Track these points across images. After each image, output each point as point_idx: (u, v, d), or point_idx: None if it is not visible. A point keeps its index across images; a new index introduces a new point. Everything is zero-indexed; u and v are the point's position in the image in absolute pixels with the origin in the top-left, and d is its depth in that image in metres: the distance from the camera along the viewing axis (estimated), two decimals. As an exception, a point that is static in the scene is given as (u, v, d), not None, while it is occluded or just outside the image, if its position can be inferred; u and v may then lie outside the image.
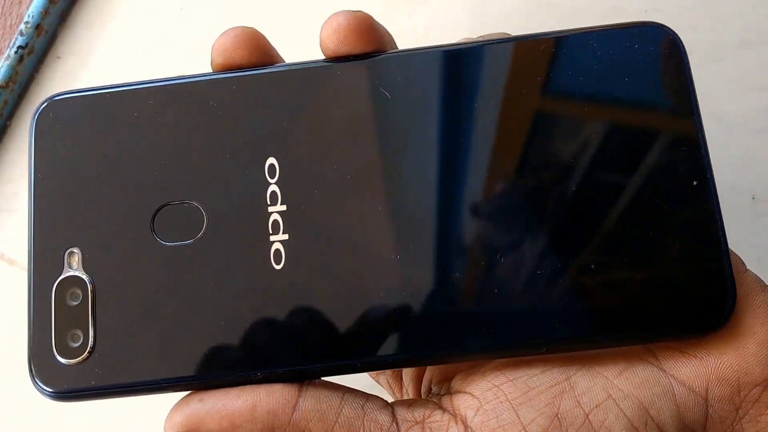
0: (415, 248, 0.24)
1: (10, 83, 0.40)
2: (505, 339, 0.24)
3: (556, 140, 0.25)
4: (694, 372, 0.23)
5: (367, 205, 0.24)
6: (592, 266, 0.24)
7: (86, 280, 0.24)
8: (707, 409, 0.23)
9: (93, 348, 0.24)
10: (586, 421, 0.23)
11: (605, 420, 0.23)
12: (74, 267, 0.24)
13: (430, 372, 0.28)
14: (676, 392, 0.23)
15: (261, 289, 0.24)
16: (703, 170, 0.24)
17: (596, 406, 0.23)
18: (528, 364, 0.24)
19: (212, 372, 0.24)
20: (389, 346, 0.24)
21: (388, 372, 0.30)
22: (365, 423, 0.23)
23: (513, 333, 0.24)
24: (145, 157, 0.25)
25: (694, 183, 0.24)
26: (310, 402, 0.23)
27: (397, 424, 0.23)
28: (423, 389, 0.28)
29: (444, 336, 0.24)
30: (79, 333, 0.24)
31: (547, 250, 0.24)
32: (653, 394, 0.23)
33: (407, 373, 0.29)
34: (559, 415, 0.23)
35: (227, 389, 0.24)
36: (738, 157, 0.36)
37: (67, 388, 0.24)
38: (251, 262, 0.24)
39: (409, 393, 0.29)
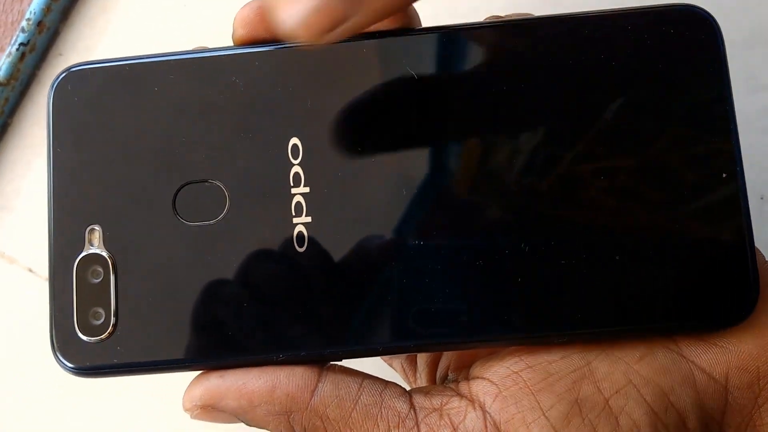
0: (440, 233, 0.24)
1: (12, 80, 0.40)
2: (528, 327, 0.23)
3: (585, 126, 0.24)
4: (714, 359, 0.23)
5: (391, 188, 0.24)
6: (617, 257, 0.23)
7: (107, 257, 0.24)
8: (727, 396, 0.23)
9: (115, 326, 0.24)
10: (606, 406, 0.22)
11: (625, 405, 0.22)
12: (95, 244, 0.24)
13: (446, 358, 0.28)
14: (696, 379, 0.23)
15: (283, 271, 0.24)
16: (733, 162, 0.24)
17: (616, 392, 0.23)
18: (547, 349, 0.24)
19: (234, 352, 0.24)
20: (411, 330, 0.24)
21: (403, 356, 0.30)
22: (383, 410, 0.23)
23: (536, 321, 0.23)
24: (165, 134, 0.24)
25: (724, 175, 0.24)
26: (328, 387, 0.23)
27: (414, 411, 0.23)
28: (438, 375, 0.28)
29: (467, 322, 0.23)
30: (101, 311, 0.24)
31: (573, 241, 0.24)
32: (673, 380, 0.23)
33: (422, 358, 0.29)
34: (579, 401, 0.22)
35: (248, 369, 0.24)
36: (746, 156, 0.35)
37: (90, 365, 0.24)
38: (274, 244, 0.24)
39: (422, 379, 0.29)
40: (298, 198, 0.24)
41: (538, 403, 0.23)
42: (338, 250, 0.24)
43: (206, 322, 0.24)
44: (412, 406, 0.23)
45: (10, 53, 0.40)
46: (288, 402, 0.23)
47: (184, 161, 0.24)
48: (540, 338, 0.24)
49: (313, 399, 0.23)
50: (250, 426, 0.24)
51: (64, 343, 0.24)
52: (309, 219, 0.24)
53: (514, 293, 0.24)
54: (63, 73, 0.25)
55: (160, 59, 0.25)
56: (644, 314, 0.23)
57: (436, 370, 0.28)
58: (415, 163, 0.24)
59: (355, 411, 0.23)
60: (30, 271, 0.38)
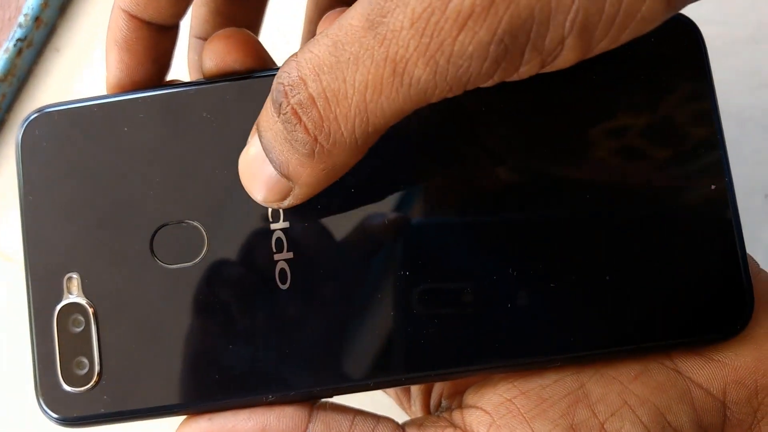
0: (425, 263, 0.24)
1: (9, 76, 0.39)
2: (519, 354, 0.23)
3: (569, 141, 0.24)
4: (711, 375, 0.23)
5: (373, 219, 0.24)
6: (607, 278, 0.23)
7: (87, 305, 0.24)
8: (725, 411, 0.23)
9: (100, 375, 0.23)
10: (602, 430, 0.22)
11: (621, 428, 0.22)
12: (74, 293, 0.24)
13: (440, 385, 0.27)
14: (693, 395, 0.23)
15: (268, 309, 0.23)
16: (721, 173, 0.23)
17: (612, 414, 0.22)
18: (540, 373, 0.23)
19: (221, 395, 0.23)
20: (401, 364, 0.23)
21: None
22: None
23: (528, 348, 0.23)
24: (139, 174, 0.24)
25: (712, 187, 0.23)
26: (319, 428, 0.23)
27: None
28: (432, 402, 0.28)
29: (457, 352, 0.23)
30: (85, 360, 0.24)
31: (562, 262, 0.23)
32: (670, 398, 0.23)
33: (416, 386, 0.29)
34: (573, 426, 0.22)
35: (237, 411, 0.23)
36: (750, 155, 0.35)
37: (77, 416, 0.23)
38: (256, 282, 0.24)
39: (416, 405, 0.29)
40: (278, 234, 0.24)
41: (533, 431, 0.22)
42: (323, 284, 0.24)
43: (192, 366, 0.23)
44: None
45: (7, 49, 0.39)
46: None
47: (159, 202, 0.24)
48: (533, 363, 0.23)
49: None
50: None
51: (48, 394, 0.23)
52: (291, 254, 0.24)
53: (503, 319, 0.23)
54: (30, 116, 0.24)
55: (127, 97, 0.24)
56: (638, 333, 0.23)
57: (430, 397, 0.28)
58: (398, 193, 0.24)
59: None
60: (27, 269, 0.37)
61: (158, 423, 0.24)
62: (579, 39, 0.18)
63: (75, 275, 0.24)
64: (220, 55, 0.24)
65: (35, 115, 0.24)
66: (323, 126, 0.20)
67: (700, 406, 0.23)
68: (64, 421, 0.23)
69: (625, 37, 0.19)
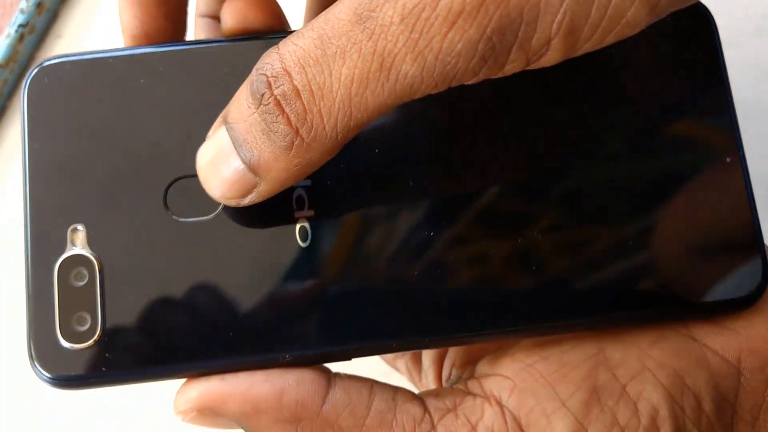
0: (450, 223, 0.23)
1: (10, 62, 0.39)
2: (545, 317, 0.23)
3: (587, 115, 0.24)
4: (726, 342, 0.23)
5: (396, 177, 0.23)
6: (630, 243, 0.23)
7: (93, 258, 0.23)
8: (740, 378, 0.23)
9: (103, 331, 0.22)
10: (624, 392, 0.22)
11: (643, 390, 0.22)
12: (78, 245, 0.23)
13: (452, 354, 0.27)
14: (709, 361, 0.23)
15: (287, 267, 0.23)
16: (734, 146, 0.24)
17: (632, 378, 0.22)
18: (558, 341, 0.23)
19: (236, 354, 0.22)
20: (425, 324, 0.23)
21: (408, 355, 0.30)
22: (397, 415, 0.22)
23: (552, 311, 0.23)
24: (154, 127, 0.23)
25: (727, 159, 0.24)
26: (340, 394, 0.22)
27: (429, 413, 0.22)
28: (444, 373, 0.28)
29: (482, 313, 0.23)
30: (87, 316, 0.22)
31: (586, 228, 0.23)
32: (688, 363, 0.23)
33: (427, 356, 0.28)
34: (596, 389, 0.22)
35: (252, 372, 0.22)
36: (754, 145, 0.35)
37: (74, 375, 0.22)
38: (275, 240, 0.23)
39: (428, 377, 0.28)
40: (299, 191, 0.23)
41: (557, 394, 0.22)
42: (344, 242, 0.23)
43: (204, 323, 0.22)
44: (425, 409, 0.23)
45: (8, 35, 0.39)
46: (297, 409, 0.22)
47: (175, 156, 0.23)
48: (556, 327, 0.23)
49: (324, 406, 0.22)
50: None
51: (43, 351, 0.22)
52: (311, 212, 0.23)
53: (529, 283, 0.23)
54: (38, 66, 0.23)
55: (146, 50, 0.24)
56: (657, 299, 0.23)
57: (442, 368, 0.28)
58: (423, 150, 0.24)
59: (368, 418, 0.22)
60: (29, 255, 0.37)
61: (164, 387, 0.23)
62: (564, 41, 0.19)
63: (80, 227, 0.23)
64: (240, 13, 0.24)
65: (47, 62, 0.23)
66: (306, 119, 0.20)
67: (716, 372, 0.23)
68: (61, 381, 0.22)
69: (609, 40, 0.19)
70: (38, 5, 0.40)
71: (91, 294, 0.22)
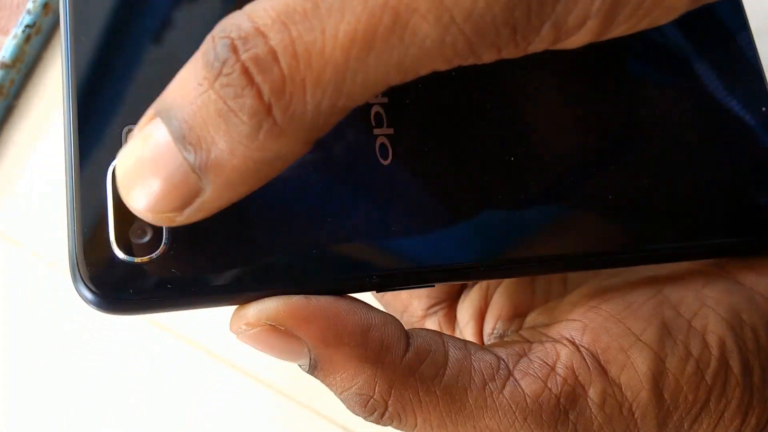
0: (531, 150, 0.23)
1: (17, 62, 0.40)
2: (616, 245, 0.23)
3: (622, 72, 0.25)
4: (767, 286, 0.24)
5: (474, 100, 0.23)
6: (686, 176, 0.24)
7: None
8: None
9: (168, 243, 0.19)
10: (690, 327, 0.22)
11: (707, 324, 0.23)
12: None
13: (496, 308, 0.27)
14: (758, 301, 0.23)
15: (368, 185, 0.22)
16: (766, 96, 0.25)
17: (695, 314, 0.23)
18: (615, 287, 0.24)
19: (322, 273, 0.20)
20: (511, 248, 0.22)
21: (441, 314, 0.29)
22: (473, 363, 0.21)
23: (620, 240, 0.23)
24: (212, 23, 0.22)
25: (763, 109, 0.25)
26: (420, 341, 0.21)
27: (503, 360, 0.22)
28: (487, 328, 0.27)
29: (561, 240, 0.23)
30: (147, 227, 0.19)
31: (648, 168, 0.24)
32: (740, 300, 0.23)
33: (466, 311, 0.28)
34: (665, 323, 0.22)
35: (337, 297, 0.20)
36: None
37: (134, 292, 0.19)
38: (356, 157, 0.22)
39: (465, 333, 0.28)
40: (377, 108, 0.22)
41: (629, 329, 0.22)
42: (426, 161, 0.22)
43: (286, 241, 0.20)
44: (498, 356, 0.22)
45: (15, 35, 0.40)
46: (381, 351, 0.20)
47: None
48: (624, 257, 0.23)
49: (407, 354, 0.20)
50: (315, 368, 0.20)
51: (93, 263, 0.19)
52: (391, 130, 0.22)
53: (600, 211, 0.23)
54: None
55: None
56: (703, 234, 0.24)
57: (483, 324, 0.27)
58: (504, 77, 0.23)
59: (447, 367, 0.21)
60: (35, 254, 0.38)
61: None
62: (602, 21, 0.16)
63: None
64: None
65: None
66: (284, 91, 0.15)
67: (766, 310, 0.23)
68: (119, 300, 0.19)
69: (643, 25, 0.17)
70: (44, 6, 0.40)
71: None
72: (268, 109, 0.15)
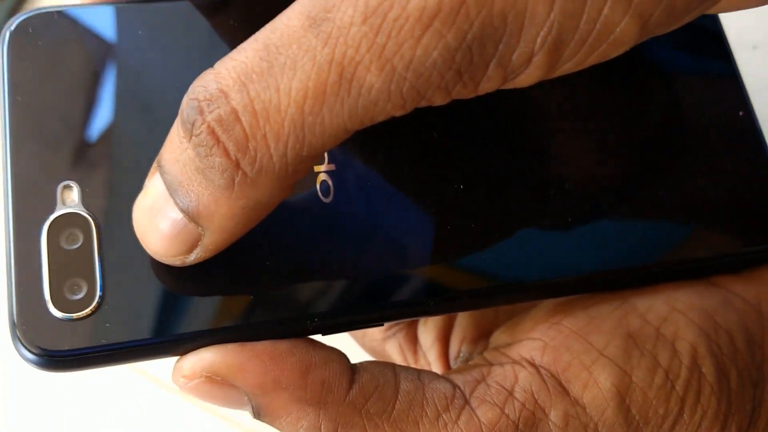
0: (479, 178, 0.22)
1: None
2: (578, 270, 0.22)
3: (618, 86, 0.25)
4: (745, 287, 0.23)
5: (419, 129, 0.22)
6: (661, 193, 0.24)
7: (88, 217, 0.20)
8: (762, 322, 0.23)
9: (102, 299, 0.20)
10: (659, 335, 0.22)
11: (677, 330, 0.22)
12: (70, 204, 0.20)
13: (461, 330, 0.26)
14: (734, 302, 0.23)
15: (310, 223, 0.21)
16: (744, 101, 0.25)
17: (664, 320, 0.22)
18: (579, 300, 0.23)
19: (257, 321, 0.20)
20: (461, 283, 0.22)
21: (401, 335, 0.28)
22: (427, 394, 0.20)
23: (582, 264, 0.23)
24: (153, 80, 0.22)
25: (740, 113, 0.25)
26: (366, 377, 0.20)
27: (459, 388, 0.21)
28: (452, 351, 0.26)
29: (517, 272, 0.22)
30: (82, 282, 0.20)
31: (617, 184, 0.24)
32: (715, 303, 0.22)
33: (429, 334, 0.27)
34: (630, 335, 0.22)
35: (276, 341, 0.20)
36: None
37: (68, 350, 0.19)
38: (296, 195, 0.21)
39: (429, 357, 0.27)
40: None
41: (592, 345, 0.21)
42: (369, 198, 0.22)
43: (219, 287, 0.20)
44: (454, 384, 0.21)
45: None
46: (323, 392, 0.20)
47: (174, 106, 0.21)
48: (588, 283, 0.23)
49: (351, 392, 0.20)
50: (258, 414, 0.20)
51: (30, 323, 0.19)
52: (333, 166, 0.22)
53: (556, 237, 0.23)
54: (22, 15, 0.21)
55: (144, 4, 0.22)
56: (684, 255, 0.24)
57: (448, 346, 0.26)
58: (445, 106, 0.23)
59: (398, 402, 0.20)
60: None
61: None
62: (548, 57, 0.17)
63: (73, 184, 0.21)
64: None
65: (31, 12, 0.21)
66: (248, 147, 0.17)
67: (742, 311, 0.23)
68: (53, 358, 0.19)
69: (593, 59, 0.17)
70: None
71: (86, 257, 0.20)
72: (236, 165, 0.17)
